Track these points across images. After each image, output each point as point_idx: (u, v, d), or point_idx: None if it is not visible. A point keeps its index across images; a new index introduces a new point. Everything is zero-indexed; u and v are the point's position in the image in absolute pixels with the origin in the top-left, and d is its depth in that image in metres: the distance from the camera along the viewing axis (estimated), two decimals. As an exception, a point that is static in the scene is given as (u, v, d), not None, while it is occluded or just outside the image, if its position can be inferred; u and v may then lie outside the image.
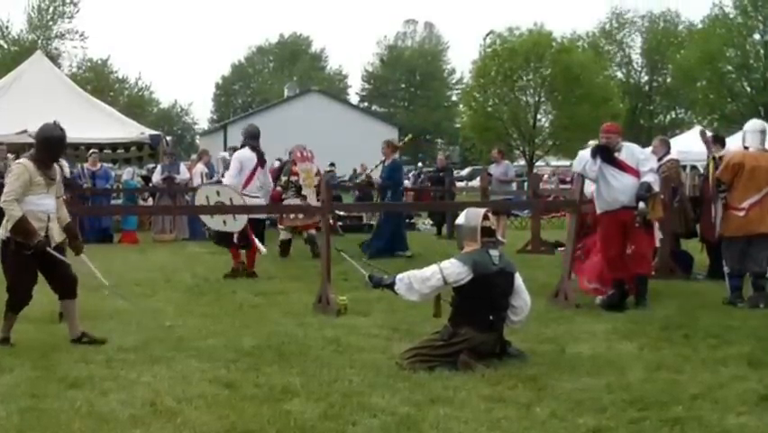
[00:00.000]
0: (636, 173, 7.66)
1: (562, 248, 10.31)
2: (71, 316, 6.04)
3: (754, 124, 8.40)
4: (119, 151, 17.51)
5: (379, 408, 4.48)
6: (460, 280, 5.38)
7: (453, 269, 5.39)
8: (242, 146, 10.10)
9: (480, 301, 5.41)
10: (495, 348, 5.49)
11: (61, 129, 6.07)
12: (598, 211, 8.06)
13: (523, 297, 5.67)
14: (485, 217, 5.62)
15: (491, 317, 5.46)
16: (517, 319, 5.71)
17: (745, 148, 8.19)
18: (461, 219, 5.72)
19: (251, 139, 9.97)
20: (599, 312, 7.47)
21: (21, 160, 5.98)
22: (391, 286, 5.59)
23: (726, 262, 8.07)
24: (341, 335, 6.40)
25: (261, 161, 9.92)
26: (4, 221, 5.80)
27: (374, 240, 12.05)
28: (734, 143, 10.13)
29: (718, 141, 8.83)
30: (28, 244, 5.72)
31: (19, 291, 5.88)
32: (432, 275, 5.42)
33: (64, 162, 14.65)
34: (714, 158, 8.14)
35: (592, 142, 8.28)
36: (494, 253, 5.53)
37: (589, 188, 8.21)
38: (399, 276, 5.58)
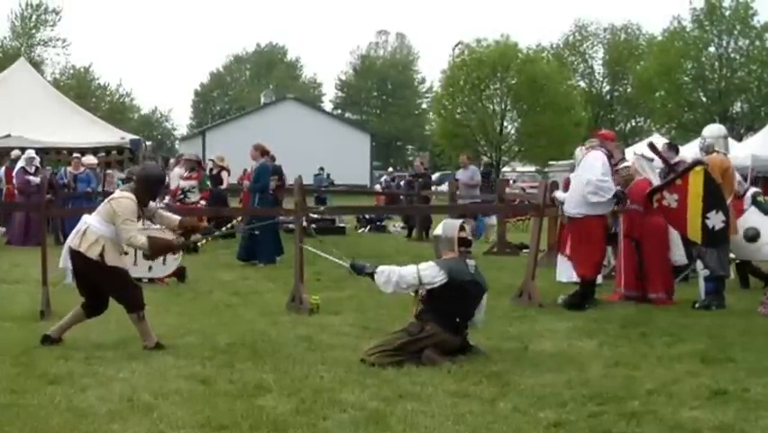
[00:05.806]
0: None
1: (527, 250, 10.56)
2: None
3: (719, 130, 8.34)
4: (100, 155, 17.67)
5: (349, 403, 4.59)
6: (434, 282, 5.57)
7: (430, 271, 5.59)
8: None
9: (451, 304, 5.60)
10: (459, 349, 5.66)
11: (162, 169, 6.11)
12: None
13: (481, 312, 5.90)
14: (461, 228, 5.83)
15: (458, 321, 5.65)
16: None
17: (710, 153, 8.08)
18: (438, 230, 5.94)
19: None
20: (561, 311, 7.66)
21: (127, 194, 5.89)
22: (371, 275, 5.79)
23: (707, 265, 7.92)
24: (313, 333, 6.53)
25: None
26: (91, 244, 5.77)
27: (259, 248, 11.34)
28: (690, 151, 10.36)
29: (672, 148, 8.97)
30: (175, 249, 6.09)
31: (137, 290, 5.96)
32: (409, 273, 5.63)
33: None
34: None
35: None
36: (471, 262, 5.76)
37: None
38: (381, 268, 5.77)
